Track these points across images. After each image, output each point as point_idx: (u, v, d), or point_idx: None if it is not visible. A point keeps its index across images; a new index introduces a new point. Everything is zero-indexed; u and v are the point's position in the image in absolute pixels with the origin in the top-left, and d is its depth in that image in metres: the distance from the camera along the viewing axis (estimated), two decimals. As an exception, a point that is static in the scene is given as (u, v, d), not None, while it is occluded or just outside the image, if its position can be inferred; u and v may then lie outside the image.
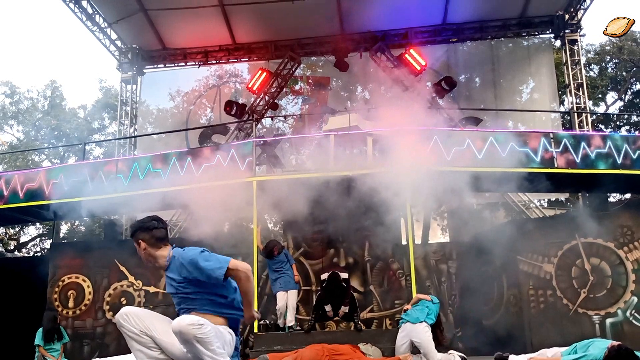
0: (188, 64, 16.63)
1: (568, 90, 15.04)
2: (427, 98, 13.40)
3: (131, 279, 10.94)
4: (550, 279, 9.68)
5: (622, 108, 23.77)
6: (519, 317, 9.84)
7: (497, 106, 15.79)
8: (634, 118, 23.05)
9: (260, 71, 15.07)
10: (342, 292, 9.20)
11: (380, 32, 15.05)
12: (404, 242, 11.32)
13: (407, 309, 7.36)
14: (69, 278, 11.05)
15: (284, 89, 16.30)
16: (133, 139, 16.15)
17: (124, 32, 15.81)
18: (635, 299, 9.44)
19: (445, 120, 12.66)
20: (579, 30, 15.05)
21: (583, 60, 16.02)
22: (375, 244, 11.20)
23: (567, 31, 15.00)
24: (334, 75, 17.10)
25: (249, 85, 15.12)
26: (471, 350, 9.50)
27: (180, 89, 17.57)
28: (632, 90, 23.90)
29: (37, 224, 22.48)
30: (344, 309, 9.06)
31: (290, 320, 9.22)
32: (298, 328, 9.39)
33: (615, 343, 5.36)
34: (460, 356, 7.50)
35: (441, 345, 7.41)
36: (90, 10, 14.61)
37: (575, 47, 15.04)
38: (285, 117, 18.20)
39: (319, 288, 9.78)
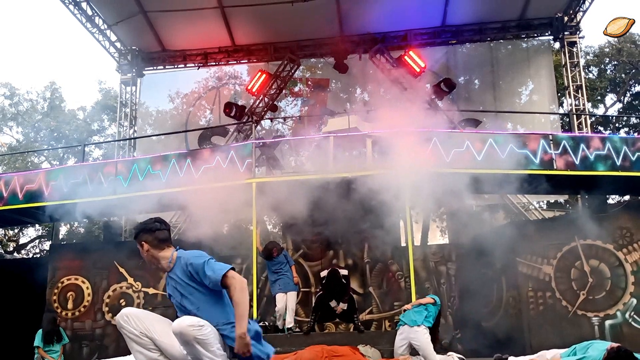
0: (187, 65, 16.64)
1: (567, 92, 15.06)
2: (426, 100, 13.41)
3: (130, 280, 10.93)
4: (550, 280, 9.68)
5: (621, 110, 23.80)
6: (518, 318, 9.83)
7: (496, 108, 15.80)
8: (633, 120, 23.06)
9: (259, 73, 15.08)
10: (342, 289, 9.22)
11: (380, 34, 15.07)
12: (403, 244, 11.33)
13: (407, 309, 7.34)
14: (68, 279, 11.04)
15: (283, 91, 16.31)
16: (132, 140, 16.16)
17: (124, 34, 15.82)
18: (635, 301, 9.44)
19: (445, 122, 12.66)
20: (578, 32, 15.07)
21: (582, 62, 16.05)
22: (374, 246, 11.21)
23: (566, 33, 15.02)
24: (333, 77, 17.11)
25: (249, 87, 15.13)
26: (470, 352, 9.50)
27: (180, 91, 17.56)
28: (631, 92, 23.94)
29: (37, 225, 22.47)
30: (342, 306, 9.07)
31: (290, 322, 9.23)
32: (297, 330, 9.39)
33: (615, 345, 5.35)
34: (459, 358, 7.51)
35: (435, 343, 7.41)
36: (90, 12, 14.63)
37: (574, 49, 15.07)
38: (284, 118, 18.21)
39: (318, 289, 9.79)
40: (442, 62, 16.11)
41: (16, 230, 23.93)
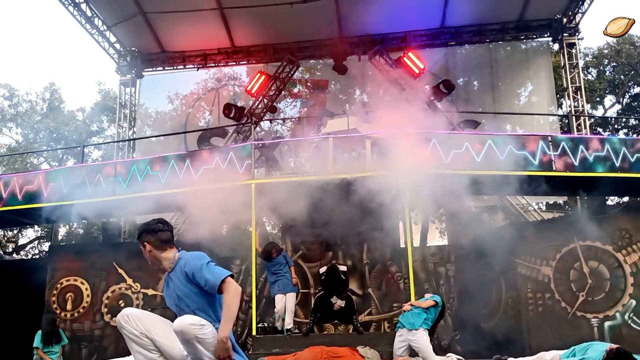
0: (187, 67, 16.64)
1: (566, 93, 15.07)
2: (425, 101, 13.42)
3: (129, 281, 10.93)
4: (549, 282, 9.69)
5: (620, 111, 23.83)
6: (517, 320, 9.84)
7: (495, 109, 15.81)
8: (632, 121, 23.10)
9: (259, 74, 15.08)
10: (341, 285, 9.22)
11: (379, 36, 15.08)
12: (402, 245, 11.33)
13: (407, 310, 7.31)
14: (67, 281, 11.04)
15: (283, 92, 16.32)
16: (132, 141, 16.15)
17: (123, 35, 15.82)
18: (634, 302, 9.45)
19: (444, 123, 12.67)
20: (577, 34, 15.08)
21: (581, 63, 16.07)
22: (373, 247, 11.21)
23: (565, 35, 15.04)
24: (333, 79, 17.11)
25: (248, 88, 15.14)
26: (469, 354, 9.49)
27: (179, 92, 17.56)
28: (630, 94, 23.97)
29: (36, 226, 22.46)
30: (340, 303, 9.06)
31: (289, 323, 9.24)
32: (296, 331, 9.40)
33: (614, 346, 5.35)
34: (458, 359, 7.50)
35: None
36: (89, 13, 14.63)
37: (574, 51, 15.08)
38: (283, 120, 18.21)
39: (317, 290, 9.79)
40: (441, 63, 16.12)
41: (15, 231, 23.92)
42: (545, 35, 15.71)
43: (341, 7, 14.36)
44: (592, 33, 46.77)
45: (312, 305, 9.54)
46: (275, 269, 9.40)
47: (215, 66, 16.71)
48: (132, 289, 10.91)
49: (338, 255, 11.47)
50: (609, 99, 24.28)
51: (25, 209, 10.86)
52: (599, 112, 23.61)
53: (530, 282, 9.74)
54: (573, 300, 9.56)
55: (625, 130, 23.65)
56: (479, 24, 15.27)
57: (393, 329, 10.04)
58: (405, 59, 14.20)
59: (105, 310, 10.86)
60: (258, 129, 16.84)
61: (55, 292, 10.97)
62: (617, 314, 9.45)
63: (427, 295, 7.51)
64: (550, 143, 10.06)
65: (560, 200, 19.87)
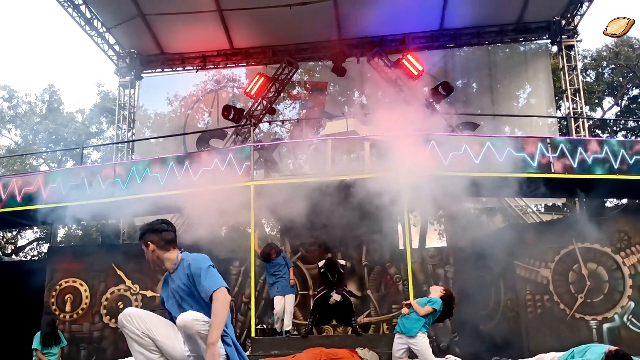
0: (186, 68, 16.66)
1: (565, 95, 15.10)
2: (424, 103, 13.44)
3: (128, 283, 10.92)
4: (548, 283, 9.70)
5: (618, 113, 23.86)
6: (516, 322, 9.84)
7: (494, 111, 15.83)
8: (631, 123, 23.13)
9: (258, 76, 15.09)
10: (340, 278, 9.23)
11: (378, 38, 15.11)
12: (401, 247, 11.33)
13: (405, 314, 7.24)
14: (66, 282, 11.03)
15: (282, 94, 16.33)
16: (131, 143, 16.15)
17: (122, 37, 15.84)
18: (632, 304, 9.46)
19: (443, 125, 12.68)
20: (575, 36, 15.11)
21: (580, 65, 16.08)
22: (372, 249, 11.21)
23: (563, 37, 15.07)
24: (332, 80, 17.15)
25: (247, 90, 15.14)
26: (468, 356, 9.50)
27: (178, 94, 17.58)
28: (628, 96, 24.01)
29: (35, 228, 22.44)
30: (336, 297, 9.06)
31: (288, 325, 9.24)
32: (295, 332, 9.40)
33: (613, 348, 5.36)
34: (456, 361, 7.49)
35: None
36: (88, 15, 14.63)
37: (572, 53, 15.11)
38: (282, 121, 18.23)
39: (316, 292, 9.78)
40: (439, 65, 16.15)
41: (14, 233, 23.90)
42: (544, 38, 15.75)
43: (340, 9, 14.38)
44: (591, 35, 46.90)
45: (311, 307, 9.55)
46: (274, 270, 9.40)
47: (214, 68, 16.73)
48: (131, 291, 10.91)
49: (337, 256, 11.46)
50: (607, 101, 24.35)
51: (25, 210, 10.85)
52: (598, 114, 23.65)
53: (529, 284, 9.75)
54: (572, 302, 9.57)
55: (623, 132, 23.69)
56: (478, 26, 15.30)
57: (392, 331, 10.03)
58: (403, 61, 14.22)
59: (104, 311, 10.85)
60: (257, 130, 16.85)
61: (54, 293, 10.97)
62: (616, 316, 9.46)
63: (432, 290, 7.25)
64: (549, 145, 10.07)
65: (559, 202, 19.91)
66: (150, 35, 15.46)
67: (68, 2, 13.96)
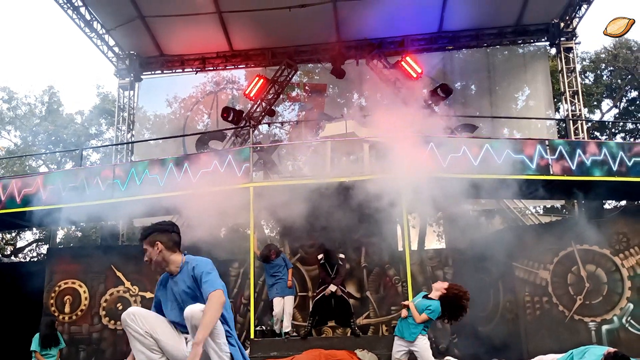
0: (185, 70, 16.67)
1: (563, 97, 15.13)
2: (423, 105, 13.45)
3: (127, 284, 10.93)
4: (546, 285, 9.71)
5: (617, 115, 23.90)
6: (515, 323, 9.85)
7: (492, 113, 15.86)
8: (629, 125, 23.18)
9: (257, 78, 15.11)
10: (338, 270, 9.25)
11: (377, 40, 15.13)
12: (400, 249, 11.34)
13: (404, 316, 7.18)
14: (65, 283, 11.04)
15: (281, 96, 16.35)
16: (130, 144, 16.17)
17: (122, 39, 15.85)
18: (631, 306, 9.48)
19: (442, 127, 12.70)
20: (574, 38, 15.16)
21: (578, 67, 16.12)
22: (371, 250, 11.22)
23: (562, 39, 15.11)
24: (331, 82, 17.16)
25: (246, 92, 15.16)
26: (467, 357, 9.51)
27: (178, 95, 17.59)
28: (627, 98, 24.05)
29: (34, 229, 22.43)
30: (332, 287, 9.06)
31: (287, 326, 9.24)
32: (294, 334, 9.40)
33: (612, 350, 5.36)
34: (456, 362, 7.48)
35: None
36: (88, 17, 14.64)
37: (571, 55, 15.15)
38: (282, 123, 18.24)
39: (315, 293, 9.79)
40: (438, 67, 16.17)
41: (14, 234, 23.89)
42: (543, 40, 15.78)
43: (339, 12, 14.40)
44: (589, 37, 46.97)
45: (310, 309, 9.55)
46: (274, 271, 9.41)
47: (213, 70, 16.75)
48: (130, 292, 10.91)
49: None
50: (606, 103, 24.40)
51: (24, 211, 10.84)
52: (596, 116, 23.69)
53: (528, 286, 9.76)
54: (571, 303, 9.58)
55: (622, 135, 23.74)
56: (477, 29, 15.33)
57: (391, 332, 10.04)
58: (402, 63, 14.25)
59: (104, 313, 10.85)
60: (256, 132, 16.87)
61: (53, 295, 10.97)
62: (615, 318, 9.47)
63: (434, 288, 7.09)
64: (548, 147, 10.09)
65: (558, 204, 19.93)
66: (150, 37, 15.48)
67: (68, 4, 13.97)
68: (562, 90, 15.12)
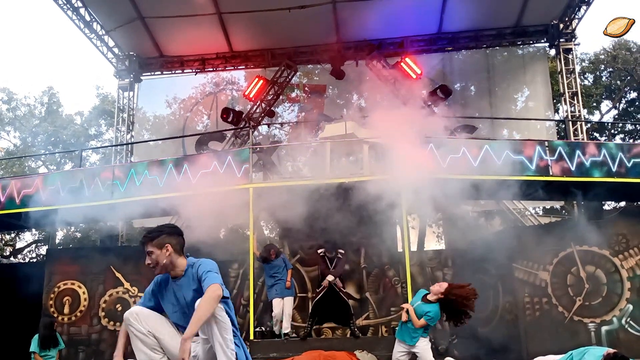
0: (185, 71, 16.67)
1: (563, 98, 15.14)
2: (422, 106, 13.45)
3: (127, 285, 10.92)
4: (546, 286, 9.71)
5: (616, 116, 23.92)
6: (514, 324, 9.85)
7: (492, 114, 15.86)
8: (629, 126, 23.18)
9: (256, 79, 15.10)
10: (337, 263, 9.27)
11: (376, 41, 15.13)
12: (399, 249, 11.34)
13: (405, 320, 7.11)
14: (64, 284, 11.03)
15: (281, 97, 16.35)
16: (130, 145, 16.17)
17: (122, 40, 15.85)
18: (631, 307, 9.48)
19: (441, 128, 12.71)
20: (573, 40, 15.17)
21: (578, 69, 16.13)
22: (371, 251, 11.22)
23: (561, 40, 15.12)
24: (330, 83, 17.17)
25: (246, 93, 15.16)
26: (467, 358, 9.50)
27: (177, 96, 17.59)
28: (626, 99, 24.07)
29: (33, 230, 22.42)
30: (329, 277, 9.06)
31: (287, 327, 9.23)
32: (294, 335, 9.39)
33: (611, 350, 5.36)
34: (455, 363, 7.46)
35: None
36: (88, 18, 14.65)
37: (570, 56, 15.16)
38: (281, 124, 18.25)
39: (314, 295, 9.78)
40: (438, 68, 16.19)
41: (13, 235, 23.87)
42: (542, 41, 15.80)
43: (339, 13, 14.40)
44: (589, 38, 47.03)
45: (310, 310, 9.55)
46: (274, 271, 9.40)
47: (213, 71, 16.76)
48: (130, 293, 10.90)
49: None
50: (605, 104, 24.41)
51: (23, 212, 10.84)
52: (596, 118, 23.70)
53: (528, 287, 9.76)
54: (570, 304, 9.58)
55: (621, 136, 23.74)
56: (476, 30, 15.34)
57: (390, 334, 10.06)
58: (402, 64, 14.25)
59: (103, 314, 10.85)
60: (256, 133, 16.87)
61: (52, 295, 10.96)
62: (614, 319, 9.48)
63: (432, 290, 7.02)
64: (547, 148, 10.10)
65: (557, 205, 19.94)
66: (150, 38, 15.48)
67: (68, 5, 13.98)
68: (562, 91, 15.13)
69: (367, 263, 11.36)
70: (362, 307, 11.11)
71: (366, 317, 11.06)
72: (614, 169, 9.98)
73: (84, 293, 10.96)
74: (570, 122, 14.54)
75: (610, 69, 23.46)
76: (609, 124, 23.29)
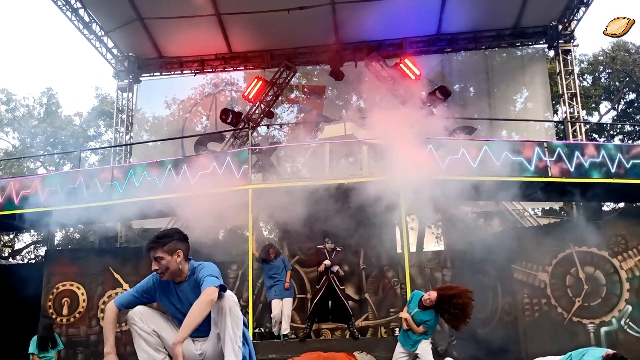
0: (184, 72, 16.65)
1: (562, 99, 15.15)
2: (421, 107, 13.45)
3: (126, 286, 10.88)
4: (545, 287, 9.71)
5: (615, 118, 23.96)
6: (513, 325, 9.85)
7: (491, 115, 15.87)
8: (627, 127, 23.20)
9: (256, 80, 15.10)
10: (337, 255, 9.30)
11: (376, 42, 15.12)
12: (398, 250, 11.34)
13: (407, 329, 7.03)
14: (63, 285, 11.00)
15: (280, 98, 16.34)
16: (129, 146, 16.15)
17: (121, 40, 15.85)
18: (630, 308, 9.48)
19: (440, 129, 12.71)
20: (572, 41, 15.18)
21: (576, 70, 16.15)
22: (370, 252, 11.23)
23: (560, 41, 15.13)
24: (330, 84, 17.17)
25: (245, 94, 15.15)
26: (466, 359, 9.50)
27: (176, 97, 17.57)
28: (625, 100, 24.11)
29: (32, 231, 22.40)
30: (327, 262, 9.06)
31: (286, 328, 9.23)
32: (293, 336, 9.39)
33: (610, 351, 5.35)
34: (455, 364, 7.47)
35: None
36: (87, 19, 14.64)
37: (569, 57, 15.17)
38: (280, 125, 18.25)
39: (313, 295, 9.78)
40: (437, 70, 16.19)
41: (11, 236, 23.84)
42: (541, 42, 15.80)
43: (338, 14, 14.40)
44: (588, 40, 47.06)
45: (309, 311, 9.54)
46: (273, 272, 9.40)
47: (212, 71, 16.74)
48: (129, 294, 10.86)
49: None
50: (604, 106, 24.45)
51: (22, 213, 10.82)
52: (595, 119, 23.75)
53: (527, 288, 9.76)
54: (569, 305, 9.58)
55: (620, 137, 23.77)
56: (475, 31, 15.34)
57: (390, 335, 10.07)
58: (401, 65, 14.25)
59: (101, 315, 10.82)
60: (255, 134, 16.87)
61: (51, 297, 10.94)
62: (613, 320, 9.48)
63: (424, 300, 7.02)
64: (546, 149, 10.11)
65: (556, 206, 19.95)
66: (149, 38, 15.48)
67: (67, 6, 13.97)
68: (561, 92, 15.14)
69: (366, 264, 11.36)
70: (361, 308, 11.12)
71: (365, 318, 11.06)
72: (612, 170, 9.99)
73: (82, 294, 10.94)
74: (569, 123, 14.55)
75: (609, 70, 23.49)
76: (608, 125, 23.31)
